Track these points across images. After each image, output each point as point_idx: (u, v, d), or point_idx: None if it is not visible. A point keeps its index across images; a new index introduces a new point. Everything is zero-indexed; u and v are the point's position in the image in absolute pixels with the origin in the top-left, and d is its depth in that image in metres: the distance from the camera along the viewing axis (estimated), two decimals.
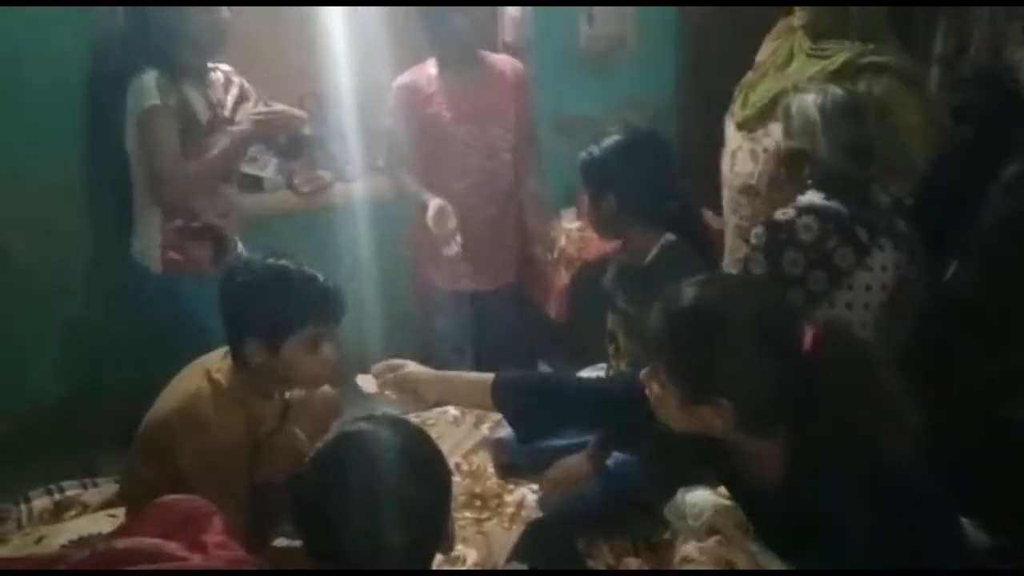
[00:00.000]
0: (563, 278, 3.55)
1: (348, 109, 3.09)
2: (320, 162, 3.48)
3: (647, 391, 1.50)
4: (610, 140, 2.10)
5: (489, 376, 1.81)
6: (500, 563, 1.84)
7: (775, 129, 2.32)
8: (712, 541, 1.58)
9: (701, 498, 1.74)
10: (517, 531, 1.95)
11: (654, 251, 2.09)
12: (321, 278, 1.83)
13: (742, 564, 1.51)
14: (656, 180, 2.09)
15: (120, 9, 2.53)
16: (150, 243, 2.54)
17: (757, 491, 1.51)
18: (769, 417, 1.41)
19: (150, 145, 2.43)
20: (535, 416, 1.80)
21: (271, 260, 1.82)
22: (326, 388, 2.16)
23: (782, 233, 2.06)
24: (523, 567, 1.70)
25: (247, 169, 3.26)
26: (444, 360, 2.91)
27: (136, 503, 1.65)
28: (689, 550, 1.58)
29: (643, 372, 1.52)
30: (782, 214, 2.08)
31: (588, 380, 2.04)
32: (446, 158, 2.85)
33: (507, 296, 3.12)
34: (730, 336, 1.37)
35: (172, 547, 1.29)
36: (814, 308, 2.07)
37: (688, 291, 1.42)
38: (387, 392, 1.85)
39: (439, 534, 1.27)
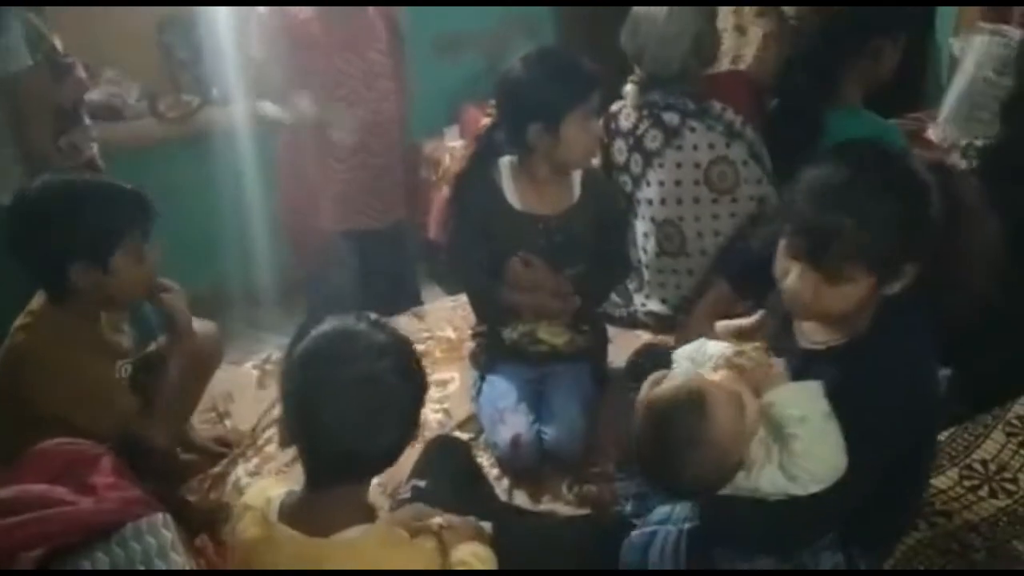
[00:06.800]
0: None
1: (211, 31, 2.90)
2: (185, 86, 3.31)
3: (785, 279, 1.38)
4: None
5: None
6: (403, 480, 1.84)
7: None
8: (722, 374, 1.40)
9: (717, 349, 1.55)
10: (418, 450, 1.95)
11: None
12: (126, 185, 1.73)
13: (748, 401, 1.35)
14: None
15: None
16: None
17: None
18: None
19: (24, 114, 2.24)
20: None
21: (69, 179, 1.73)
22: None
23: (611, 123, 2.35)
24: (421, 484, 1.71)
25: (108, 96, 3.10)
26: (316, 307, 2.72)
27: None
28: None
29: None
30: (616, 105, 2.35)
31: None
32: (324, 90, 2.58)
33: (395, 235, 2.85)
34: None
35: (60, 492, 1.26)
36: (637, 190, 2.30)
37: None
38: None
39: (415, 425, 1.29)
